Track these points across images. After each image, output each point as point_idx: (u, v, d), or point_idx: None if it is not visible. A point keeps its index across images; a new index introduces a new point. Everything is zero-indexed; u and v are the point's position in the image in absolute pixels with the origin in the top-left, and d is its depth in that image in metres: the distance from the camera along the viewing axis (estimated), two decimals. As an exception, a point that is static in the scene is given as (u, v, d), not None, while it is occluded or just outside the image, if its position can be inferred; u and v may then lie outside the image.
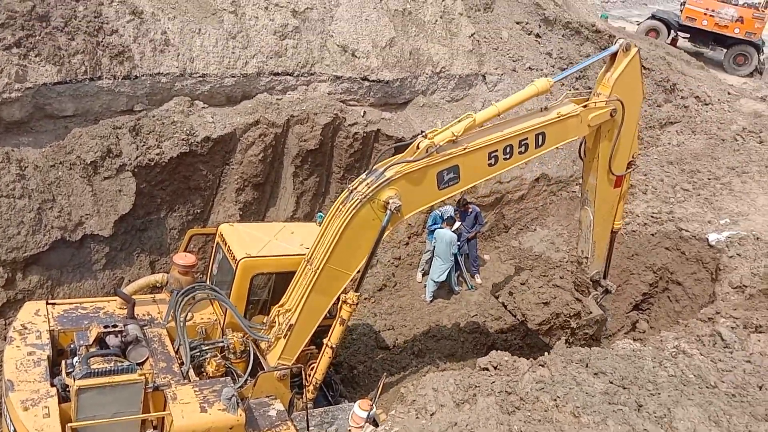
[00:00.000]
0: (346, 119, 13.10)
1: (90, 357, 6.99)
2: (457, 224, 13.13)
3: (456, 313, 12.97)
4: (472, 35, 15.26)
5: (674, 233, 13.43)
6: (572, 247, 14.54)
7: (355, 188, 7.50)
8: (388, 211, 7.24)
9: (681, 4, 28.57)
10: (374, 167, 7.64)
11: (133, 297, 8.30)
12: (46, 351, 7.45)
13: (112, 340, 7.34)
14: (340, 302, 7.97)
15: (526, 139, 7.96)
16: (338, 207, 7.58)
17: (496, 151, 7.78)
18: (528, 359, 8.21)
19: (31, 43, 9.97)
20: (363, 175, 7.64)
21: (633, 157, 9.48)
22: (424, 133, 7.66)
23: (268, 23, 12.66)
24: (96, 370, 6.80)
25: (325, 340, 8.23)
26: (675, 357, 7.94)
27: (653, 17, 28.23)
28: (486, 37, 15.77)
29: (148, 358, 7.53)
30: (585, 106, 8.47)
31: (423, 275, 13.60)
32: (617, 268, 13.65)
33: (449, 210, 13.23)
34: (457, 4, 15.38)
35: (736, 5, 26.50)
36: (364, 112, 13.51)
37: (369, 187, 7.33)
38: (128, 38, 11.07)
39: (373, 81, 13.58)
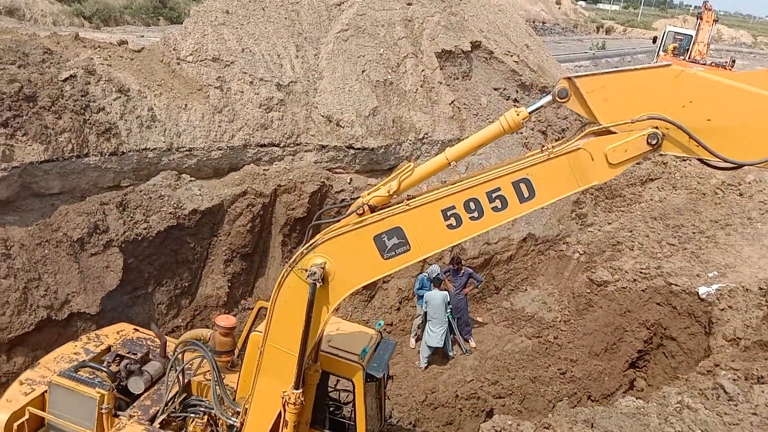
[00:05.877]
0: (332, 186, 13.18)
1: (82, 365, 7.55)
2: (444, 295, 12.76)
3: (452, 379, 12.71)
4: (452, 102, 15.61)
5: (664, 288, 13.45)
6: (564, 306, 14.51)
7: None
8: (310, 281, 5.98)
9: (650, 67, 29.60)
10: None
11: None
12: (87, 355, 8.07)
13: (121, 364, 7.79)
14: (282, 401, 6.80)
15: (498, 190, 5.67)
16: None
17: (453, 208, 5.76)
18: (531, 422, 8.02)
19: (18, 122, 10.00)
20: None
21: None
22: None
23: (253, 97, 12.87)
24: (73, 375, 7.40)
25: None
26: (680, 412, 7.80)
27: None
28: (466, 104, 16.15)
29: (145, 392, 7.65)
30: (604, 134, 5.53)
31: (416, 341, 13.40)
32: (611, 326, 13.61)
33: (436, 269, 13.08)
34: (436, 74, 15.79)
35: (704, 64, 27.59)
36: (351, 179, 13.62)
37: (298, 256, 6.23)
38: (115, 115, 11.16)
39: (358, 149, 13.76)
